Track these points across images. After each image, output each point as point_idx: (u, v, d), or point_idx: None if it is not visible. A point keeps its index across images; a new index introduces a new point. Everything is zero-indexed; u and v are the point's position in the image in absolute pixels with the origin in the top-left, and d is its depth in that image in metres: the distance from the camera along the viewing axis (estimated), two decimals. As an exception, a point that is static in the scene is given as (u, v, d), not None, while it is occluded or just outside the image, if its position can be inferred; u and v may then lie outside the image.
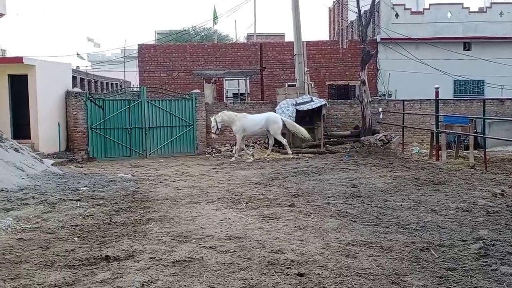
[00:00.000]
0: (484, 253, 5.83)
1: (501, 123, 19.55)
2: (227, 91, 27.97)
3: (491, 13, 26.78)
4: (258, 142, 20.39)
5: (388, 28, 26.15)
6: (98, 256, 5.93)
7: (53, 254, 6.08)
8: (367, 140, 18.13)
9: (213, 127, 17.09)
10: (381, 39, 26.42)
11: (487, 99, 21.32)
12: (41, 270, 5.49)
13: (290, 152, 17.23)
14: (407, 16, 26.66)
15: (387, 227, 7.16)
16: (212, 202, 9.39)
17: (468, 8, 26.87)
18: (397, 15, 25.88)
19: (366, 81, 19.90)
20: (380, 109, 21.26)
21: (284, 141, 17.21)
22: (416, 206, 8.54)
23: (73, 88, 20.59)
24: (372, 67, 25.72)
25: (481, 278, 5.08)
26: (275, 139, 17.23)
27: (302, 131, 17.34)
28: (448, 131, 16.00)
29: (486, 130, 17.15)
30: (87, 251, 6.16)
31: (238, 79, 27.94)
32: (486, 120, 16.67)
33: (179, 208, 8.83)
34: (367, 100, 19.60)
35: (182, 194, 10.30)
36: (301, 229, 7.15)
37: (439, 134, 15.70)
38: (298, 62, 21.06)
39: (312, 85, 21.53)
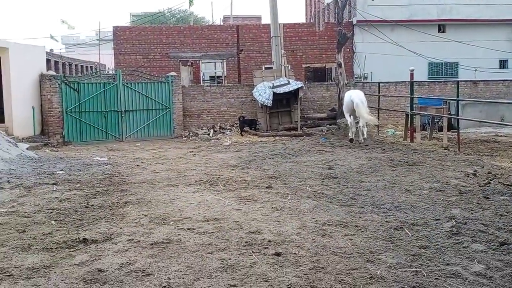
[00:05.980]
0: (456, 231, 5.98)
1: (475, 105, 19.87)
2: (203, 73, 27.85)
3: (465, -5, 27.01)
4: (235, 125, 20.37)
5: (364, 10, 26.24)
6: (75, 239, 5.93)
7: (30, 237, 6.06)
8: (343, 123, 18.27)
9: None
10: (357, 21, 26.51)
11: (461, 81, 21.59)
12: (18, 254, 5.47)
13: None
14: (383, -2, 26.75)
15: (362, 207, 7.29)
16: (190, 185, 9.41)
17: (443, -10, 27.05)
18: (373, -3, 25.94)
19: (342, 63, 20.00)
20: (356, 92, 21.37)
21: None
22: (391, 187, 8.69)
23: (47, 71, 20.24)
24: (348, 50, 25.81)
25: (453, 255, 5.22)
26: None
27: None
28: (423, 113, 16.21)
29: (459, 112, 17.42)
30: (65, 234, 6.15)
31: (215, 62, 27.82)
32: (459, 102, 16.91)
33: (156, 191, 8.84)
34: (343, 83, 19.73)
35: (159, 177, 10.30)
36: (278, 210, 7.23)
37: (414, 116, 15.91)
38: (275, 45, 21.02)
39: (289, 68, 21.55)
